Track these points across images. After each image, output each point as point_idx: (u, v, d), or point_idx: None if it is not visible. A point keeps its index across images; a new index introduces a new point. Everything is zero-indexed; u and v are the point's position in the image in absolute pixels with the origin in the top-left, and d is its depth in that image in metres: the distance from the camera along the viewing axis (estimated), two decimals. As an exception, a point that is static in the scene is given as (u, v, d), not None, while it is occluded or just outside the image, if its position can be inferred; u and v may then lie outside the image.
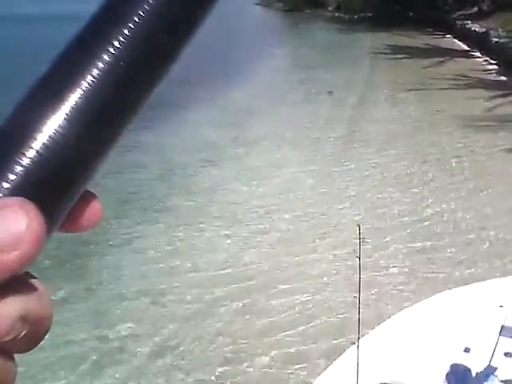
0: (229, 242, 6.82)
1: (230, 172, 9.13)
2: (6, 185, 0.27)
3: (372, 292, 5.54)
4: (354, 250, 3.63)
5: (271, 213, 7.57)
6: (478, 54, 21.09)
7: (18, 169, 0.27)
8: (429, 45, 23.90)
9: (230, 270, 6.20)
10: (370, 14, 35.67)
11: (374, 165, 9.35)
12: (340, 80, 16.72)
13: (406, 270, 6.12)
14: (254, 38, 29.18)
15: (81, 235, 6.62)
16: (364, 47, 24.07)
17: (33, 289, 0.29)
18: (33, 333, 0.28)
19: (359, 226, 3.50)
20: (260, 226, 7.22)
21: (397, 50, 22.62)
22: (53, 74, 0.29)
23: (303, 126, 11.76)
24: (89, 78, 0.29)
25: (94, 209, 0.33)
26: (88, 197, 0.33)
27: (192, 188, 8.48)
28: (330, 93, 14.41)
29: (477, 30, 23.71)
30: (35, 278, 0.29)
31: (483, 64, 19.17)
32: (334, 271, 6.08)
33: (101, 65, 0.29)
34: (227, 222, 7.33)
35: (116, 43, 0.29)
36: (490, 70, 18.01)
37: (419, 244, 6.66)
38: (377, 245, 6.44)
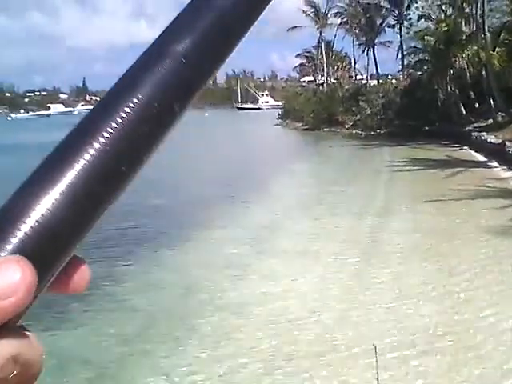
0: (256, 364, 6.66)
1: (255, 285, 9.10)
2: (8, 246, 0.33)
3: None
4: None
5: (299, 327, 7.43)
6: (495, 164, 21.42)
7: (18, 233, 0.33)
8: (446, 156, 24.41)
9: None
10: (386, 130, 36.83)
11: (395, 276, 9.25)
12: (359, 193, 17.01)
13: None
14: (274, 155, 30.16)
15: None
16: (382, 161, 24.67)
17: (24, 335, 0.33)
18: (23, 375, 0.32)
19: (375, 346, 3.43)
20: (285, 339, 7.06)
21: (414, 162, 23.11)
22: (48, 161, 0.35)
23: (326, 239, 11.81)
24: (80, 164, 0.35)
25: (82, 273, 0.37)
26: (77, 262, 0.37)
27: (218, 303, 8.42)
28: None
29: (493, 141, 24.26)
30: (27, 329, 0.34)
31: (500, 173, 19.42)
32: None
33: (88, 155, 0.35)
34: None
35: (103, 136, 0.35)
36: (508, 178, 18.20)
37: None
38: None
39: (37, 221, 0.33)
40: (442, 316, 7.61)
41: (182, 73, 0.38)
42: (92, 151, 0.35)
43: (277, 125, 55.50)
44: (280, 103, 70.07)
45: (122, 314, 8.19)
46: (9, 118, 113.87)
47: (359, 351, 6.57)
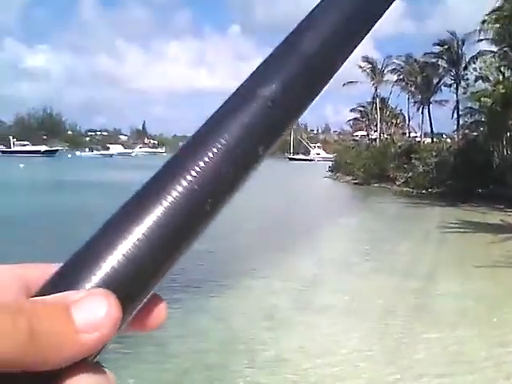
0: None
1: (293, 340, 9.02)
2: (94, 278, 0.34)
3: None
4: None
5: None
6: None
7: (104, 266, 0.34)
8: (500, 221, 23.83)
9: None
10: (438, 190, 36.34)
11: (444, 347, 9.00)
12: (408, 253, 16.75)
13: None
14: (323, 208, 30.13)
15: None
16: (432, 221, 24.27)
17: (103, 371, 0.34)
18: None
19: None
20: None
21: (465, 225, 22.66)
22: (137, 196, 0.37)
23: (369, 299, 11.64)
24: (167, 201, 0.36)
25: (160, 311, 0.38)
26: (155, 300, 0.38)
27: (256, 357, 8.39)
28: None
29: (548, 207, 23.59)
30: (104, 366, 0.35)
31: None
32: None
33: (175, 192, 0.36)
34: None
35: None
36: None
37: None
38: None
39: (123, 255, 0.34)
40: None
41: (268, 116, 0.39)
42: (180, 189, 0.36)
43: (326, 177, 55.61)
44: (331, 156, 70.42)
45: (161, 358, 8.26)
46: (69, 156, 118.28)
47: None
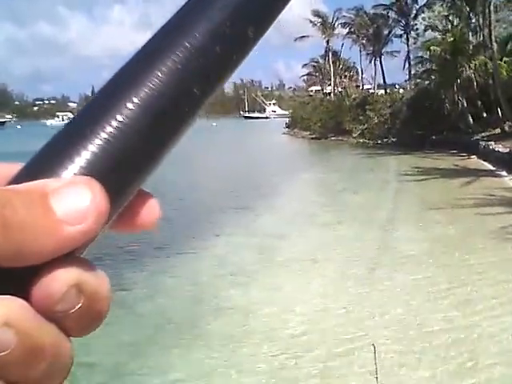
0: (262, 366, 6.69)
1: (260, 295, 9.14)
2: (74, 167, 0.30)
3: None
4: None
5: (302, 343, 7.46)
6: (503, 173, 21.42)
7: (86, 153, 0.30)
8: (454, 166, 24.43)
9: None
10: (393, 140, 36.91)
11: (403, 287, 9.27)
12: (368, 202, 17.05)
13: None
14: (282, 164, 30.25)
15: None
16: (389, 170, 24.72)
17: (92, 267, 0.30)
18: (89, 309, 0.29)
19: (374, 346, 3.48)
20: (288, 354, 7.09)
21: (422, 171, 23.15)
22: (120, 74, 0.33)
23: (331, 248, 11.84)
24: (152, 82, 0.32)
25: (151, 208, 0.34)
26: (145, 196, 0.34)
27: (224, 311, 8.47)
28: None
29: (500, 150, 24.27)
30: (89, 260, 0.30)
31: (510, 183, 19.42)
32: None
33: (159, 73, 0.33)
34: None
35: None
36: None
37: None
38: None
39: (107, 139, 0.31)
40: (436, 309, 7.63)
41: None
42: (164, 69, 0.32)
43: (284, 134, 55.69)
44: (287, 112, 70.37)
45: (132, 319, 8.26)
46: (18, 127, 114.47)
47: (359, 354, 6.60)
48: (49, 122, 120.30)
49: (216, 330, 7.75)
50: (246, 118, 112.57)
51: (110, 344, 7.32)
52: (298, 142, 47.22)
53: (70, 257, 0.29)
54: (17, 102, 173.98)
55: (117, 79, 0.33)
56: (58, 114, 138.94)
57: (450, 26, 36.36)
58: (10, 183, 0.30)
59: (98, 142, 0.30)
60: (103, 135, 0.30)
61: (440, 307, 8.20)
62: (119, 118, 0.31)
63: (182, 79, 0.33)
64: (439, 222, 13.84)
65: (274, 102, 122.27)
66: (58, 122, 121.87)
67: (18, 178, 0.30)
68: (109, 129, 0.31)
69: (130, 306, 8.70)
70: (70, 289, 0.28)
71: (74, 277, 0.28)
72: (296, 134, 52.16)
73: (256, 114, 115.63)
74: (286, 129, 57.11)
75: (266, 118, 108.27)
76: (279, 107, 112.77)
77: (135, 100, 0.32)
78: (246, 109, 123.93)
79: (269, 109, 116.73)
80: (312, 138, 46.59)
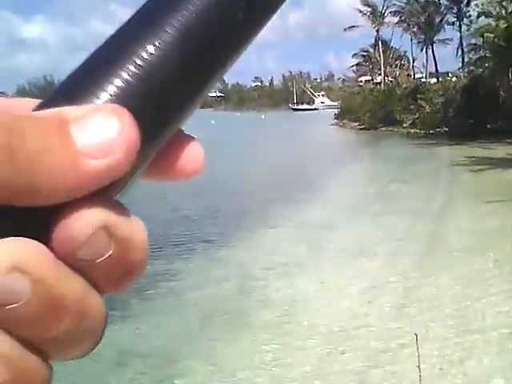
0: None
1: (308, 285, 9.14)
2: (103, 94, 0.26)
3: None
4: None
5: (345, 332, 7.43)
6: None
7: (116, 80, 0.26)
8: (509, 155, 23.68)
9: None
10: (446, 129, 36.02)
11: (457, 277, 9.08)
12: (420, 193, 16.74)
13: None
14: (331, 155, 30.05)
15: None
16: (442, 160, 24.18)
17: (124, 210, 0.26)
18: (121, 260, 0.25)
19: (416, 335, 3.43)
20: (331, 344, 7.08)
21: (476, 161, 22.53)
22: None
23: (382, 239, 11.71)
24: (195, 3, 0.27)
25: (194, 152, 0.29)
26: (185, 138, 0.29)
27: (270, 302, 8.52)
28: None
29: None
30: (122, 203, 0.26)
31: None
32: None
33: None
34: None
35: None
36: None
37: None
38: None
39: (141, 66, 0.26)
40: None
41: None
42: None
43: (333, 125, 55.19)
44: (336, 103, 69.64)
45: (181, 308, 8.43)
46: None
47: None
48: None
49: (263, 321, 7.81)
50: (295, 110, 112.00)
51: (159, 333, 7.51)
52: (347, 132, 46.70)
53: (97, 196, 0.24)
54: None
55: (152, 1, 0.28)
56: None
57: (503, 12, 35.11)
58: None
59: (130, 67, 0.26)
60: (137, 61, 0.26)
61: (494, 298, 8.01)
62: (156, 42, 0.26)
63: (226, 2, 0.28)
64: (495, 213, 13.45)
65: (322, 93, 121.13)
66: None
67: (37, 109, 0.26)
68: (144, 54, 0.26)
69: (178, 295, 8.89)
70: (96, 231, 0.24)
71: (102, 218, 0.24)
72: (345, 125, 51.58)
73: (304, 106, 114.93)
74: (335, 120, 56.52)
75: (315, 109, 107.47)
76: (328, 98, 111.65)
77: (175, 23, 0.27)
78: (295, 101, 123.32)
79: (317, 100, 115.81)
80: (361, 129, 45.97)
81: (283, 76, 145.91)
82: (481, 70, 37.76)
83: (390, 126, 42.23)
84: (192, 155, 0.29)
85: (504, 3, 35.72)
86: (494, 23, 34.91)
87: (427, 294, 8.43)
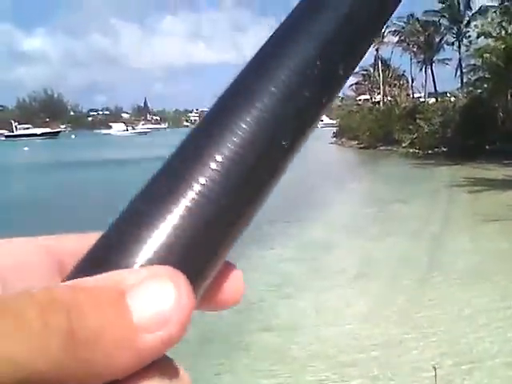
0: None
1: (307, 304, 9.08)
2: (151, 250, 0.25)
3: None
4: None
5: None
6: (560, 184, 20.66)
7: (164, 234, 0.25)
8: (508, 176, 23.71)
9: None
10: (444, 149, 36.11)
11: (456, 301, 9.03)
12: (418, 213, 16.72)
13: None
14: (330, 174, 30.07)
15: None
16: (440, 181, 24.20)
17: (176, 372, 0.25)
18: None
19: (435, 368, 3.38)
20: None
21: (474, 182, 22.56)
22: (193, 134, 0.28)
23: (380, 261, 11.67)
24: (233, 135, 0.27)
25: (235, 281, 0.29)
26: (227, 267, 0.29)
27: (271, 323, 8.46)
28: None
29: (557, 160, 23.45)
30: (171, 359, 0.25)
31: None
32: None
33: (242, 123, 0.27)
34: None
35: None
36: None
37: None
38: None
39: (186, 211, 0.25)
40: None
41: (348, 26, 0.31)
42: (249, 119, 0.27)
43: (331, 143, 55.32)
44: (335, 122, 69.88)
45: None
46: (73, 137, 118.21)
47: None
48: (112, 132, 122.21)
49: (261, 342, 7.74)
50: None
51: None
52: (346, 151, 46.81)
53: (153, 367, 0.23)
54: (72, 113, 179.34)
55: (195, 138, 0.28)
56: (110, 124, 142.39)
57: (503, 33, 35.38)
58: (81, 265, 0.25)
59: (175, 216, 0.25)
60: (180, 206, 0.25)
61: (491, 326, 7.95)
62: (199, 184, 0.26)
63: (269, 130, 0.28)
64: (491, 234, 13.44)
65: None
66: (121, 132, 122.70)
67: (88, 264, 0.25)
68: (187, 199, 0.26)
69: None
70: None
71: None
72: (343, 144, 51.72)
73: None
74: (334, 138, 56.67)
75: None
76: (327, 116, 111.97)
77: (219, 158, 0.26)
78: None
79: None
80: (360, 148, 46.09)
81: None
82: (479, 90, 37.97)
83: (388, 145, 42.33)
84: (233, 287, 0.28)
85: (504, 24, 36.03)
86: (493, 44, 35.20)
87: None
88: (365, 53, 0.33)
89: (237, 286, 0.29)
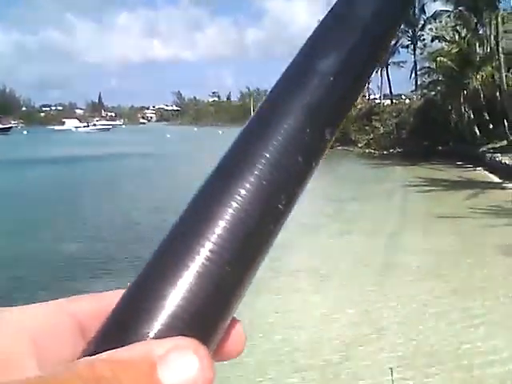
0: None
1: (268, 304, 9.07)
2: (171, 318, 0.26)
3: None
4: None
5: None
6: (510, 185, 21.28)
7: (180, 300, 0.27)
8: (460, 177, 24.32)
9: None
10: (399, 150, 36.79)
11: (411, 298, 9.17)
12: (372, 213, 16.95)
13: None
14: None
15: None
16: (395, 181, 24.62)
17: None
18: None
19: (391, 369, 3.40)
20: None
21: (428, 182, 23.05)
22: (196, 200, 0.30)
23: (336, 258, 11.76)
24: (234, 203, 0.29)
25: (238, 335, 0.30)
26: (231, 322, 0.30)
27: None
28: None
29: (507, 162, 24.17)
30: None
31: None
32: None
33: (243, 190, 0.29)
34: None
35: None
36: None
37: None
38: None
39: (196, 278, 0.27)
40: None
41: (332, 94, 0.33)
42: (247, 186, 0.29)
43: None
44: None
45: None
46: (25, 132, 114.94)
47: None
48: (73, 128, 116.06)
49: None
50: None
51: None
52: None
53: None
54: (24, 108, 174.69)
55: (196, 203, 0.30)
56: (63, 120, 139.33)
57: (457, 37, 36.32)
58: (104, 333, 0.27)
59: (188, 282, 0.27)
60: (189, 274, 0.27)
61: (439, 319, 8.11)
62: (205, 250, 0.27)
63: (267, 195, 0.30)
64: (444, 233, 13.73)
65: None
66: (82, 128, 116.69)
67: (112, 334, 0.26)
68: (194, 266, 0.27)
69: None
70: None
71: None
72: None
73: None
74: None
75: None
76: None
77: (222, 224, 0.28)
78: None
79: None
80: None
81: (241, 92, 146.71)
82: (433, 93, 38.86)
83: (345, 145, 42.85)
84: (236, 338, 0.30)
85: (458, 28, 36.97)
86: (447, 48, 36.07)
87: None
88: (348, 112, 0.35)
89: (239, 338, 0.30)
